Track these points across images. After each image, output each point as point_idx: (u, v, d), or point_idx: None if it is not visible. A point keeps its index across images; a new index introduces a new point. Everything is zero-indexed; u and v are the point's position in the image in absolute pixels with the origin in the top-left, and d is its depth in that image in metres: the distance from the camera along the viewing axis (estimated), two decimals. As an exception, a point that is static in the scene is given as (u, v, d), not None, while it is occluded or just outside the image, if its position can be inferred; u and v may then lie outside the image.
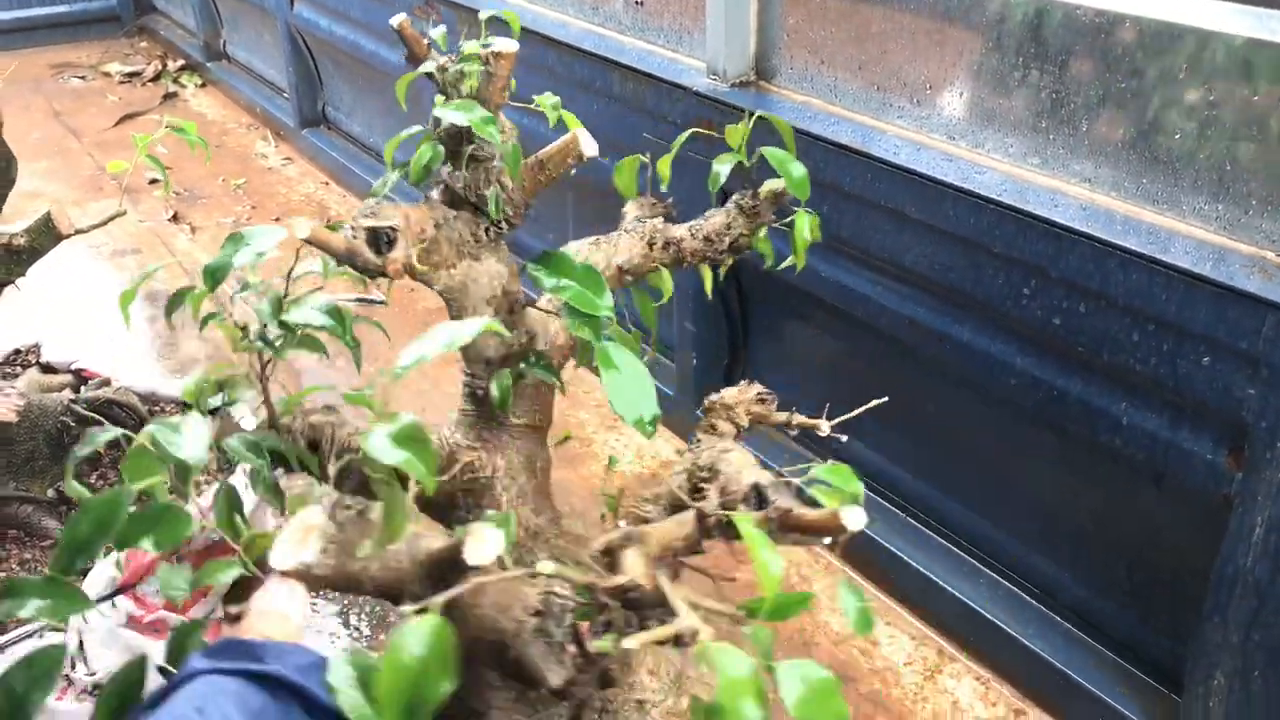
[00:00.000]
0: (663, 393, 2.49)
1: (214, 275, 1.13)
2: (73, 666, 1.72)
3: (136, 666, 1.06)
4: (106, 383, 2.19)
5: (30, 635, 1.70)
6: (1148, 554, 1.72)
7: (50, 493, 1.95)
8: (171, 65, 5.32)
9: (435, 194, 1.29)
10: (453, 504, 1.40)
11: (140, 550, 1.83)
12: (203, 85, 5.14)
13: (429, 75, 1.29)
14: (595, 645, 1.05)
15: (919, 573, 2.04)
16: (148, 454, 1.05)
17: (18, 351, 2.35)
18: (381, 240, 1.17)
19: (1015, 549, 1.96)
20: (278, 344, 1.19)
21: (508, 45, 1.29)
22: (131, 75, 5.27)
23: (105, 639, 1.76)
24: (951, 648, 2.01)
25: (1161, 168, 1.57)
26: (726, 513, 1.09)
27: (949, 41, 1.82)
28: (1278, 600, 1.46)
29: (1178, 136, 1.54)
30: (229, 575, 1.11)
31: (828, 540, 1.07)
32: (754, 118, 1.43)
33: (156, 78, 5.22)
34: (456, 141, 1.26)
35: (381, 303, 2.96)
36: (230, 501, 1.15)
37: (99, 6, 5.76)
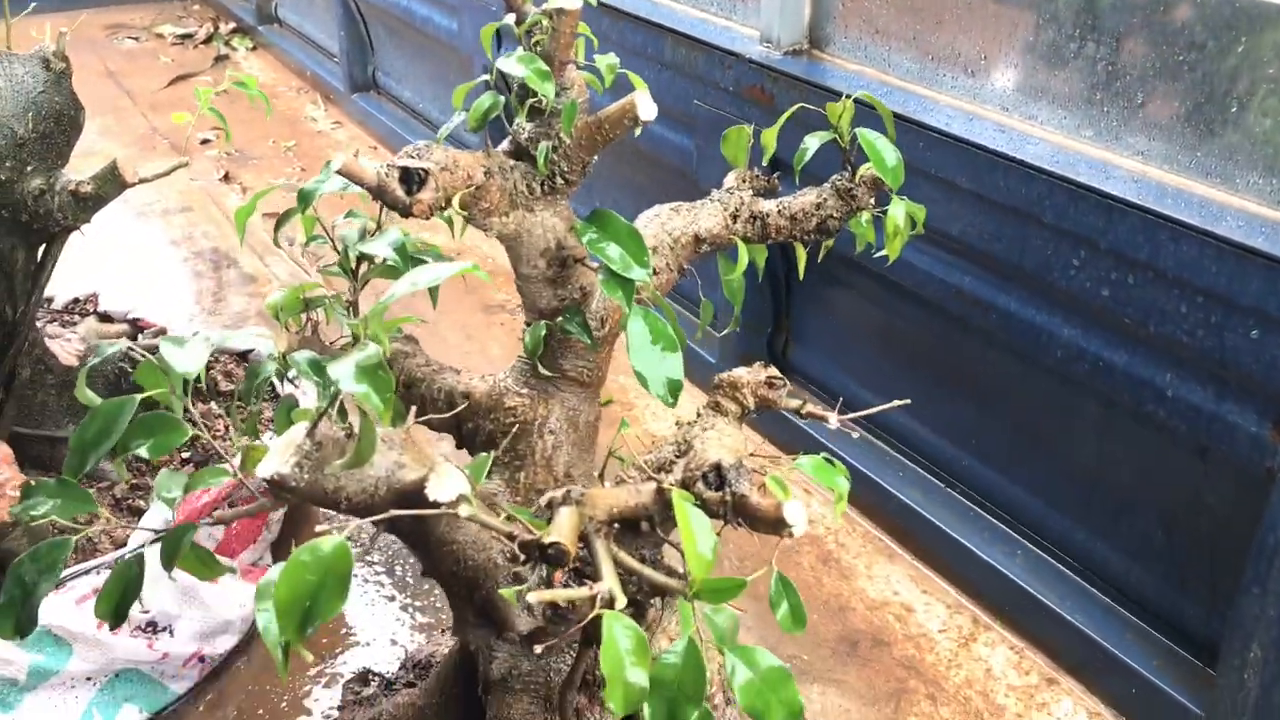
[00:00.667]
0: (705, 360, 2.51)
1: (306, 197, 1.17)
2: (128, 603, 1.76)
3: (134, 562, 1.12)
4: (162, 332, 2.24)
5: (88, 571, 1.75)
6: (1188, 526, 1.73)
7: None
8: (223, 28, 5.38)
9: (505, 144, 1.32)
10: (492, 443, 1.43)
11: (193, 495, 1.89)
12: (253, 48, 5.19)
13: (508, 28, 1.31)
14: (503, 592, 1.07)
15: (957, 542, 2.06)
16: (154, 367, 1.12)
17: (76, 300, 2.40)
18: (414, 180, 1.20)
19: (1054, 520, 1.97)
20: (362, 271, 1.23)
21: (571, 3, 1.31)
22: (184, 37, 5.33)
23: (159, 580, 1.81)
24: (987, 617, 2.02)
25: (1216, 141, 1.57)
26: (672, 487, 1.10)
27: (1003, 14, 1.82)
28: (1318, 574, 1.46)
29: (1234, 110, 1.54)
30: (220, 481, 1.16)
31: (785, 533, 1.07)
32: (852, 98, 1.40)
33: (208, 40, 5.28)
34: (524, 95, 1.28)
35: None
36: (289, 412, 1.19)
37: (153, -31, 5.83)
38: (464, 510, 0.96)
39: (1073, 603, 1.90)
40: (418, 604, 2.06)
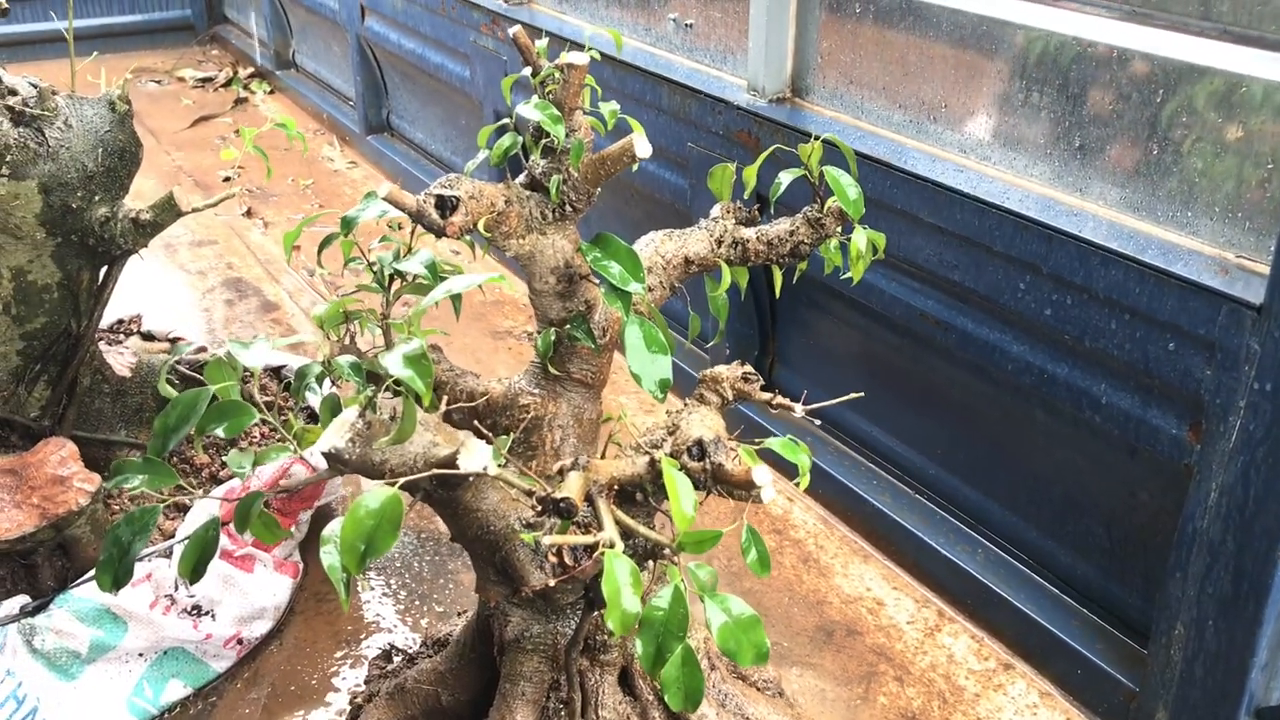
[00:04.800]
0: (694, 378, 2.73)
1: (348, 224, 1.39)
2: (175, 588, 1.97)
3: (211, 525, 1.33)
4: (203, 349, 2.46)
5: (141, 559, 1.95)
6: (1123, 521, 1.94)
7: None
8: (242, 72, 5.64)
9: (522, 178, 1.54)
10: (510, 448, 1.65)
11: (234, 491, 2.10)
12: (271, 92, 5.45)
13: (525, 79, 1.54)
14: (523, 535, 1.29)
15: (924, 543, 2.26)
16: (224, 364, 1.34)
17: (121, 321, 2.63)
18: (447, 206, 1.42)
19: (1009, 521, 2.18)
20: (393, 288, 1.44)
21: (580, 59, 1.54)
22: (204, 81, 5.59)
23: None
24: (950, 609, 2.23)
25: (1142, 180, 1.80)
26: (663, 455, 1.32)
27: (964, 67, 2.06)
28: (1227, 557, 1.67)
29: (1156, 153, 1.77)
30: (283, 457, 1.37)
31: (754, 495, 1.28)
32: (820, 140, 1.62)
33: (228, 84, 5.54)
34: (539, 135, 1.51)
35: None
36: (332, 408, 1.40)
37: (174, 15, 6.11)
38: (492, 469, 1.18)
39: (1026, 594, 2.10)
40: (435, 595, 2.26)
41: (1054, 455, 2.03)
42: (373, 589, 2.28)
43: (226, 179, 4.36)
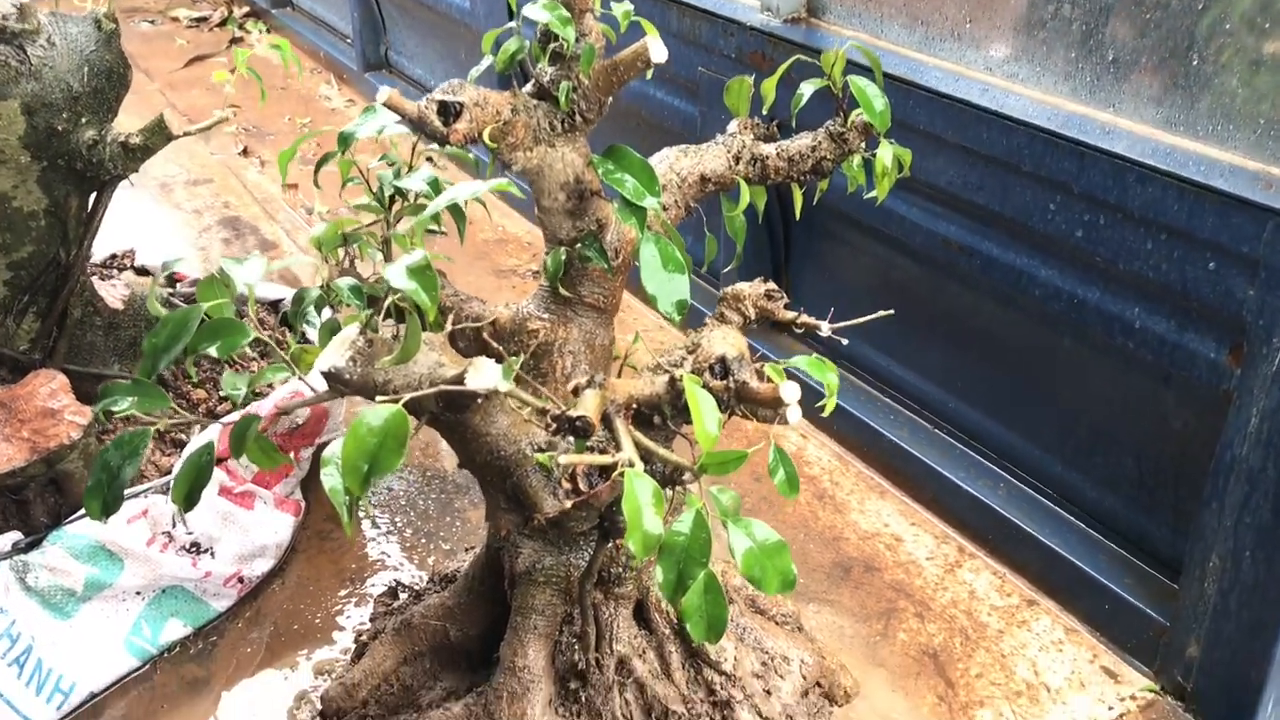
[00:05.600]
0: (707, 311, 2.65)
1: (346, 140, 1.31)
2: (173, 525, 1.91)
3: (206, 450, 1.26)
4: (196, 283, 2.38)
5: (136, 496, 1.89)
6: (1155, 450, 1.87)
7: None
8: (237, 11, 5.51)
9: (529, 86, 1.46)
10: (517, 374, 1.57)
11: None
12: (268, 30, 5.32)
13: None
14: (538, 458, 1.22)
15: (943, 478, 2.20)
16: (216, 282, 1.26)
17: (114, 256, 2.54)
18: (450, 112, 1.33)
19: (1033, 454, 2.11)
20: (394, 209, 1.36)
21: (590, -46, 1.44)
22: (198, 20, 5.46)
23: (202, 505, 1.95)
24: (971, 545, 2.16)
25: (1179, 93, 1.71)
26: (684, 373, 1.24)
27: (988, -22, 1.96)
28: (1267, 485, 1.60)
29: (1195, 64, 1.67)
30: (280, 376, 1.29)
31: (782, 417, 1.21)
32: (844, 49, 1.53)
33: (223, 23, 5.41)
34: (546, 40, 1.42)
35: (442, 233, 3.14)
36: (332, 330, 1.32)
37: (167, -46, 5.96)
38: (503, 387, 1.10)
39: (1050, 529, 2.04)
40: (441, 533, 2.20)
41: (1082, 385, 1.96)
42: (378, 527, 2.22)
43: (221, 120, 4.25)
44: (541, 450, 1.28)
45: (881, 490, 2.33)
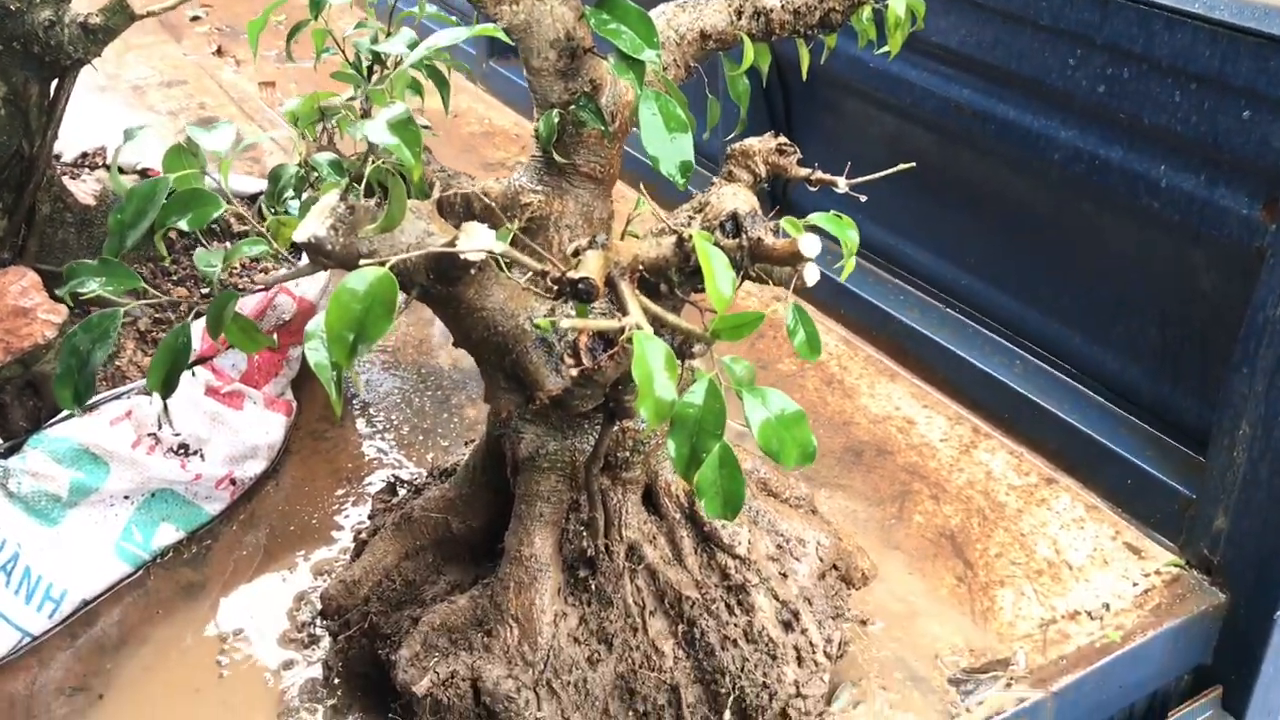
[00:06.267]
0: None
1: (317, 5, 1.21)
2: (159, 427, 1.83)
3: (182, 332, 1.17)
4: (173, 178, 2.27)
5: (119, 397, 1.81)
6: (1181, 317, 1.80)
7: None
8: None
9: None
10: (512, 242, 1.48)
11: (217, 324, 1.95)
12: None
13: None
14: (539, 322, 1.13)
15: (956, 358, 2.12)
16: (183, 152, 1.17)
17: (85, 155, 2.43)
18: None
19: (1051, 328, 2.03)
20: (374, 78, 1.26)
21: None
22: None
23: (188, 405, 1.88)
24: (986, 426, 2.10)
25: (1210, -70, 1.60)
26: (695, 230, 1.15)
27: None
28: (1304, 345, 1.53)
29: (1227, -104, 1.56)
30: (256, 250, 1.21)
31: (800, 278, 1.12)
32: None
33: (191, -78, 5.20)
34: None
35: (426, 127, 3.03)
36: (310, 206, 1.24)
37: None
38: (498, 247, 1.01)
39: (1070, 405, 1.97)
40: (439, 430, 2.13)
41: (1103, 252, 1.87)
42: (373, 425, 2.15)
43: (194, 18, 4.09)
44: (548, 294, 1.19)
45: (892, 374, 2.26)
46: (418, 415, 2.17)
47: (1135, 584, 1.77)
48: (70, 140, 2.50)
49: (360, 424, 2.15)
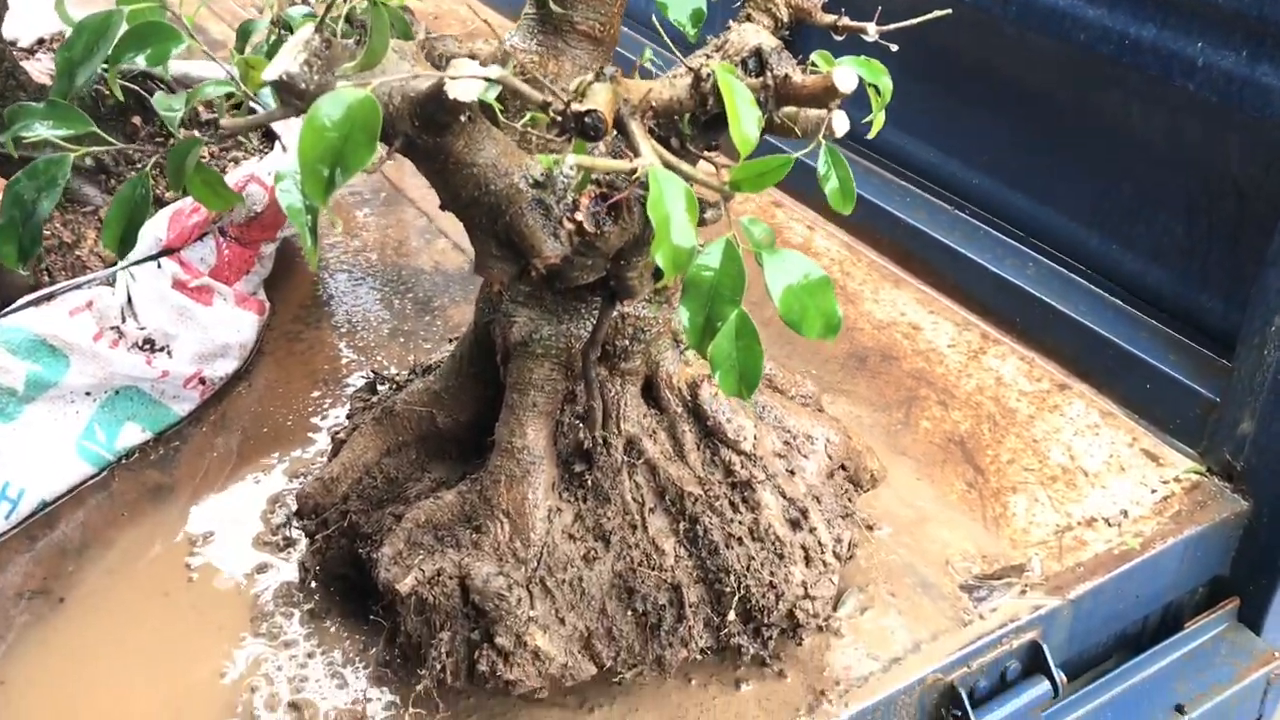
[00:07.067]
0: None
1: None
2: (123, 320, 1.71)
3: (140, 183, 1.06)
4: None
5: (79, 287, 1.69)
6: (1210, 211, 1.70)
7: (88, 161, 1.91)
8: None
9: None
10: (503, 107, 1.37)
11: (183, 212, 1.82)
12: None
13: None
14: (540, 159, 1.03)
15: (965, 261, 2.03)
16: None
17: (41, 41, 2.29)
18: None
19: (1068, 229, 1.94)
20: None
21: None
22: None
23: (154, 298, 1.76)
24: (996, 331, 2.00)
25: None
26: (716, 64, 1.04)
27: None
28: (1348, 233, 1.44)
29: None
30: (220, 90, 1.09)
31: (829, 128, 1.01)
32: None
33: None
34: None
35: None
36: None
37: None
38: (494, 72, 0.90)
39: (1086, 308, 1.88)
40: (421, 332, 2.02)
41: (1128, 144, 1.77)
42: (352, 325, 2.03)
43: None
44: (537, 184, 1.08)
45: (897, 279, 2.16)
46: (398, 318, 2.06)
47: (1154, 491, 1.69)
48: (27, 28, 2.36)
49: (337, 326, 2.04)
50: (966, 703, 1.43)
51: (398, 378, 1.69)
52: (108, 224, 1.06)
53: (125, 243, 1.07)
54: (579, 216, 1.03)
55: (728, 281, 0.99)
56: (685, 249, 0.88)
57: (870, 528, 1.62)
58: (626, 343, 1.37)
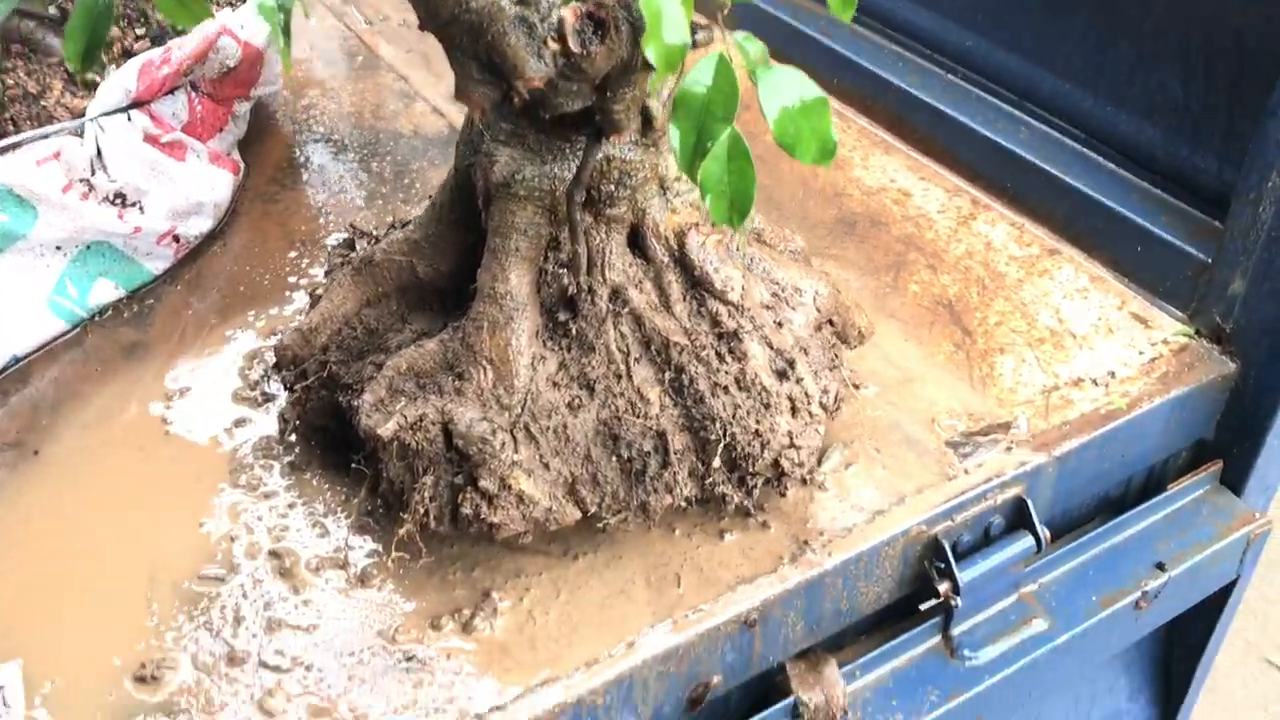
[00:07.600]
0: None
1: None
2: (92, 172, 1.66)
3: None
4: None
5: (46, 137, 1.64)
6: (1209, 68, 1.66)
7: (52, 9, 1.84)
8: None
9: None
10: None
11: (153, 63, 1.76)
12: None
13: None
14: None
15: (957, 126, 1.99)
16: None
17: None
18: None
19: (1062, 91, 1.90)
20: None
21: None
22: None
23: (125, 151, 1.71)
24: (986, 198, 1.97)
25: None
26: None
27: None
28: (1352, 83, 1.40)
29: None
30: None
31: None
32: None
33: None
34: None
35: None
36: None
37: None
38: None
39: (1077, 170, 1.85)
40: (400, 195, 1.97)
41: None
42: (328, 187, 1.98)
43: None
44: (521, 0, 1.04)
45: (886, 146, 2.11)
46: (376, 180, 2.01)
47: (1141, 352, 1.68)
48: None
49: (315, 185, 1.99)
50: (950, 555, 1.43)
51: (376, 232, 1.66)
52: (69, 34, 1.01)
53: (88, 58, 1.02)
54: (566, 33, 0.98)
55: (720, 99, 0.96)
56: (678, 46, 0.84)
57: (856, 386, 1.60)
58: (612, 187, 1.33)
